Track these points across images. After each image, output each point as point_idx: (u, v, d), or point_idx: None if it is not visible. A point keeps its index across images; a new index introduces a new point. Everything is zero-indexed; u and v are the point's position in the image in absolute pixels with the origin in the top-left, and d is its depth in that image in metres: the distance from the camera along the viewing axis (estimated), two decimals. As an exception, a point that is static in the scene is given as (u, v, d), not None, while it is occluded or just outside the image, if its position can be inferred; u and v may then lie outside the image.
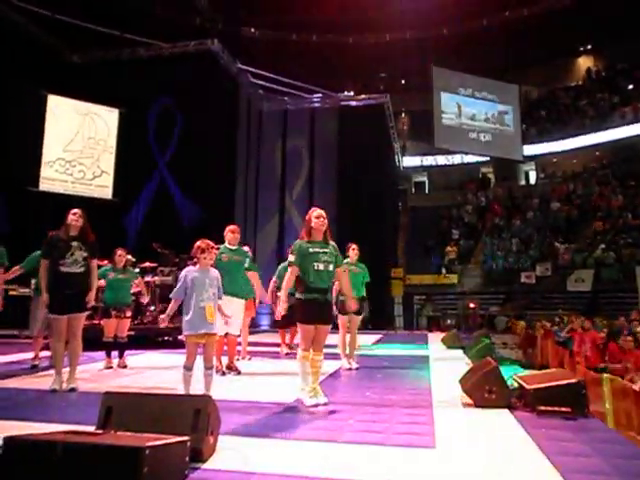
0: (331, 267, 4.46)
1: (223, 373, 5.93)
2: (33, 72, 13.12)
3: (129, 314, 6.79)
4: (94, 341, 7.05)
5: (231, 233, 6.00)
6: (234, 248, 5.99)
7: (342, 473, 2.70)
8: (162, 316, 4.36)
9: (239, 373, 6.02)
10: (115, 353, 6.63)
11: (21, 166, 13.10)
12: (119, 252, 6.75)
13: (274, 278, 7.82)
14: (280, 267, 7.77)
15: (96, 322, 7.85)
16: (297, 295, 4.46)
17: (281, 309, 4.44)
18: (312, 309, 4.35)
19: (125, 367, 6.54)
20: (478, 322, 16.90)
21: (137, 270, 9.36)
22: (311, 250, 4.40)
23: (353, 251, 6.63)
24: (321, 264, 4.37)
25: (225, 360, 6.10)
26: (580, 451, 3.17)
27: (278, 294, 7.25)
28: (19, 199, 12.80)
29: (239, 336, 6.37)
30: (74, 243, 4.96)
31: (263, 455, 2.99)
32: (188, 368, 4.24)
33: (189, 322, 4.20)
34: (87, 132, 14.63)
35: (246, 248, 6.36)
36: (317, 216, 4.47)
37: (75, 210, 5.05)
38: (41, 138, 13.70)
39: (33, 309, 6.58)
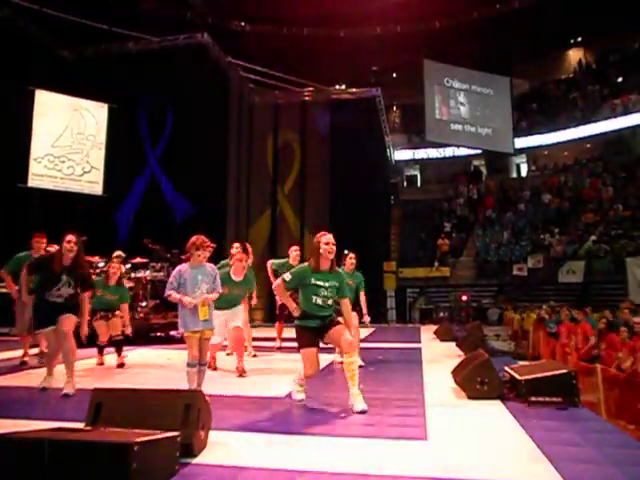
0: (330, 302, 4.15)
1: (215, 368, 5.90)
2: (20, 67, 12.96)
3: (117, 312, 6.41)
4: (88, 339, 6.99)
5: (238, 262, 5.61)
6: (238, 280, 5.60)
7: (334, 466, 2.69)
8: (185, 299, 4.11)
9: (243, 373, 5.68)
10: (107, 350, 6.55)
11: (9, 162, 12.95)
12: (113, 267, 6.39)
13: (277, 279, 7.65)
14: (276, 262, 7.63)
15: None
16: (295, 321, 4.20)
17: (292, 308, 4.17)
18: (310, 334, 4.11)
19: (122, 366, 6.25)
20: (470, 314, 16.96)
21: (129, 270, 9.33)
22: (313, 281, 4.08)
23: (350, 260, 6.20)
24: (320, 299, 4.07)
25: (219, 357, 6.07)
26: (571, 440, 3.19)
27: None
28: (7, 195, 12.67)
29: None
30: (63, 277, 4.70)
31: (255, 450, 2.98)
32: (191, 365, 4.21)
33: (183, 319, 4.18)
34: (76, 127, 14.49)
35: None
36: (326, 242, 4.10)
37: (70, 237, 4.69)
38: (29, 134, 13.55)
39: (19, 308, 6.49)
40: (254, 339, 7.46)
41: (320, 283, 4.07)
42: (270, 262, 7.68)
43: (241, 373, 5.51)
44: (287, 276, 4.14)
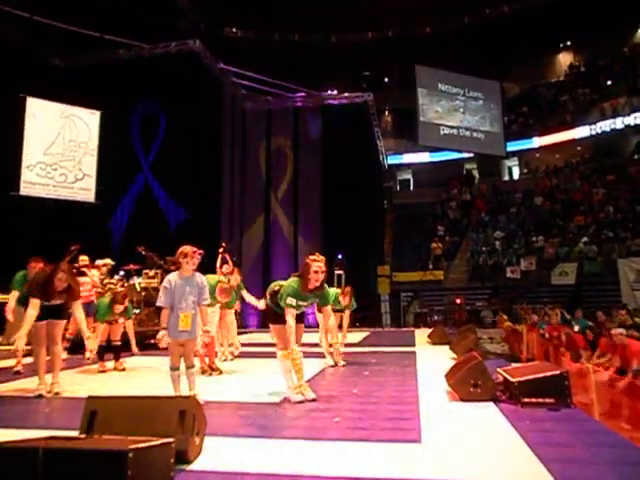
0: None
1: (203, 372, 5.93)
2: (12, 75, 12.93)
3: (121, 320, 6.75)
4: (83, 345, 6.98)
5: (226, 284, 6.28)
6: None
7: (329, 470, 2.70)
8: (159, 335, 4.13)
9: (221, 373, 6.03)
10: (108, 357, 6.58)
11: (1, 170, 12.90)
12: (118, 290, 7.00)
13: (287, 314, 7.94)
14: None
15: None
16: (269, 303, 4.55)
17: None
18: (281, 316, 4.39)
19: (124, 370, 6.50)
20: (464, 317, 16.99)
21: (121, 273, 9.35)
22: (299, 302, 4.35)
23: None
24: (297, 310, 4.38)
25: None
26: (563, 441, 3.21)
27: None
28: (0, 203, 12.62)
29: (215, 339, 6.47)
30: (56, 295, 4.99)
31: (250, 455, 2.98)
32: (173, 368, 4.27)
33: (168, 328, 4.17)
34: (68, 135, 14.46)
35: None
36: (315, 270, 4.26)
37: (60, 275, 4.89)
38: (20, 142, 13.50)
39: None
40: (253, 345, 7.54)
41: (301, 303, 4.37)
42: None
43: (213, 370, 6.03)
44: (290, 301, 4.26)
